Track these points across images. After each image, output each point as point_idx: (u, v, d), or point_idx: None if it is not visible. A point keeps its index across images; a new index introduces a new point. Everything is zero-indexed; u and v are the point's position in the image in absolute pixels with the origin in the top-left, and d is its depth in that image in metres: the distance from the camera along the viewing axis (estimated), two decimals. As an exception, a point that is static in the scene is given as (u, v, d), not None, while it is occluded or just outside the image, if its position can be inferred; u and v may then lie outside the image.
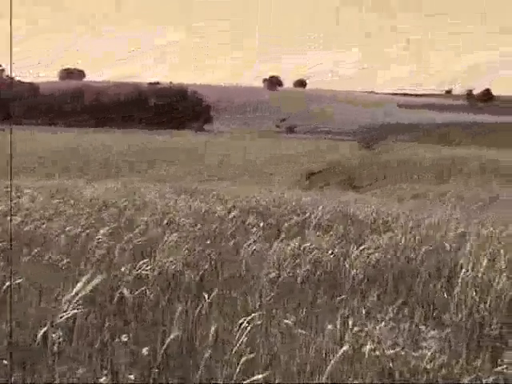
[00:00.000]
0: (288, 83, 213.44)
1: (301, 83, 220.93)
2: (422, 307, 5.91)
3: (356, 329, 4.92)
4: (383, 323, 5.13)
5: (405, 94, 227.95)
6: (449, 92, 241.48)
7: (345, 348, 4.29)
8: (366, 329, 4.94)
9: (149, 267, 6.36)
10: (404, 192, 31.29)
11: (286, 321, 5.14)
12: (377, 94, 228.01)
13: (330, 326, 4.94)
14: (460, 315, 5.62)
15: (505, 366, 4.42)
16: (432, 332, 4.99)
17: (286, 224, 9.44)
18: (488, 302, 5.78)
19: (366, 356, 4.43)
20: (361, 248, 7.59)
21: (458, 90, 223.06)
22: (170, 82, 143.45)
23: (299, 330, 5.00)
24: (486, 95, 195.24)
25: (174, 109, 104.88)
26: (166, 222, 9.63)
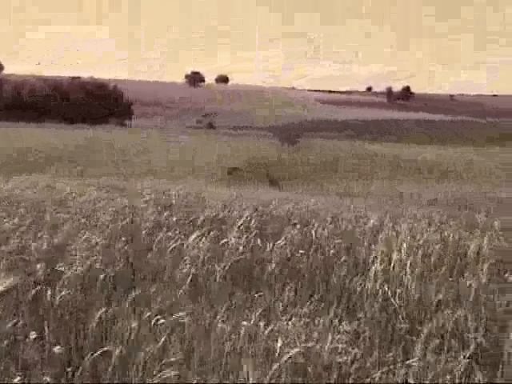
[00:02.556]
0: (210, 79, 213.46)
1: (223, 79, 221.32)
2: (337, 301, 5.99)
3: (271, 325, 4.96)
4: (298, 318, 5.19)
5: (326, 91, 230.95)
6: (369, 89, 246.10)
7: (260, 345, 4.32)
8: (280, 324, 4.98)
9: (62, 264, 6.26)
10: (325, 188, 31.64)
11: (204, 316, 5.15)
12: (298, 90, 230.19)
13: (244, 323, 4.96)
14: (373, 309, 5.73)
15: (416, 359, 4.52)
16: (345, 326, 5.07)
17: (204, 220, 9.42)
18: (398, 295, 5.91)
19: (279, 351, 4.47)
20: (277, 243, 7.64)
21: (378, 87, 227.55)
22: (91, 77, 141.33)
23: (218, 326, 5.02)
24: (405, 93, 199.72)
25: (94, 103, 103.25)
26: (84, 218, 9.46)
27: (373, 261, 6.97)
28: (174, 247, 7.47)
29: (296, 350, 4.48)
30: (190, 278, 6.39)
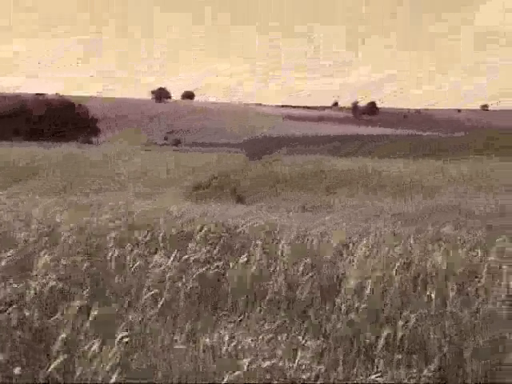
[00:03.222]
0: (176, 95, 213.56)
1: (189, 95, 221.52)
2: (303, 317, 5.98)
3: (234, 342, 4.93)
4: (262, 335, 5.16)
5: (292, 106, 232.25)
6: (336, 105, 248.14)
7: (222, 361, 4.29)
8: (244, 341, 4.95)
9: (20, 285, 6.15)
10: (292, 203, 31.68)
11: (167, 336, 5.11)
12: (265, 106, 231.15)
13: (207, 340, 4.93)
14: (339, 325, 5.72)
15: (378, 375, 4.52)
16: (309, 342, 5.05)
17: (170, 237, 9.35)
18: (361, 310, 5.91)
19: (245, 369, 4.44)
20: (241, 257, 7.61)
21: (344, 102, 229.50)
22: (57, 94, 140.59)
23: (179, 346, 4.97)
24: (371, 108, 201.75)
25: (59, 120, 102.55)
26: (46, 236, 9.32)
27: (337, 276, 6.97)
28: (139, 265, 7.41)
29: (262, 366, 4.46)
30: (153, 295, 6.34)
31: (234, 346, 4.89)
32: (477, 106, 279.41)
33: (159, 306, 6.20)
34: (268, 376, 4.46)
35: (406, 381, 4.60)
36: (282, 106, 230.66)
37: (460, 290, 7.14)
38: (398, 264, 7.75)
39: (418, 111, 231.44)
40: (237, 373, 4.31)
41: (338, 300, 6.29)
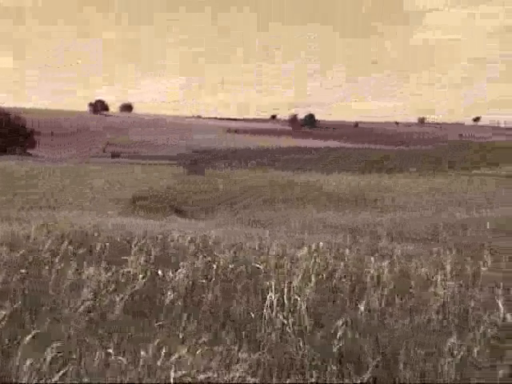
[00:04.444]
0: (114, 108, 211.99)
1: (127, 107, 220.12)
2: (238, 330, 5.98)
3: (168, 355, 4.89)
4: (197, 348, 5.14)
5: (232, 119, 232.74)
6: (274, 117, 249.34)
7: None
8: (178, 354, 4.92)
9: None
10: (231, 217, 31.65)
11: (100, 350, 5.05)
12: (204, 118, 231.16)
13: (143, 353, 4.88)
14: (272, 336, 5.74)
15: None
16: (243, 354, 5.05)
17: (105, 250, 9.28)
18: (293, 321, 5.94)
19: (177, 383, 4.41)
20: (178, 271, 7.60)
21: (283, 115, 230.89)
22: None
23: (113, 358, 4.92)
24: (310, 120, 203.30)
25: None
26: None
27: (272, 289, 6.99)
28: (72, 279, 7.32)
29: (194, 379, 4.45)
30: (88, 311, 6.27)
31: (169, 358, 4.86)
32: (413, 119, 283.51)
33: (94, 318, 6.13)
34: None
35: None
36: (221, 119, 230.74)
37: (393, 299, 7.25)
38: (333, 275, 7.82)
39: (355, 124, 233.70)
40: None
41: (270, 312, 6.31)
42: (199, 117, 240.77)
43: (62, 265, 7.99)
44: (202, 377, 4.51)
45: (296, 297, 6.52)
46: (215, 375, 4.56)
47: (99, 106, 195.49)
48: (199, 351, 5.09)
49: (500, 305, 6.58)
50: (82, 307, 6.41)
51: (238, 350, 5.22)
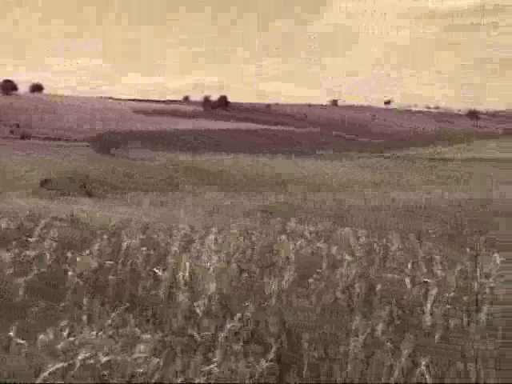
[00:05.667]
0: (24, 88, 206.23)
1: (37, 88, 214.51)
2: (142, 312, 5.93)
3: (71, 338, 4.81)
4: (101, 330, 5.08)
5: (144, 100, 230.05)
6: (186, 99, 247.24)
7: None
8: (82, 337, 4.85)
9: None
10: (144, 198, 31.31)
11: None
12: (115, 99, 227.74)
13: (42, 336, 4.78)
14: (176, 319, 5.72)
15: (213, 365, 4.55)
16: (146, 336, 5.00)
17: (7, 232, 9.07)
18: (200, 303, 5.94)
19: (79, 365, 4.34)
20: (84, 253, 7.48)
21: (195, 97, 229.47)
22: None
23: (16, 340, 4.81)
24: (222, 102, 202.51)
25: None
26: None
27: (180, 269, 6.96)
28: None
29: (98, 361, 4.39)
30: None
31: (73, 341, 4.77)
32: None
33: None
34: (107, 371, 4.40)
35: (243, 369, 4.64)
36: (133, 100, 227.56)
37: (301, 279, 7.31)
38: (243, 255, 7.86)
39: (267, 106, 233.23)
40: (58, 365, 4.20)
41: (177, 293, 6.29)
42: (111, 98, 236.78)
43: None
44: (105, 359, 4.45)
45: (204, 277, 6.52)
46: (119, 357, 4.51)
47: (8, 86, 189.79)
48: (103, 334, 5.03)
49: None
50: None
51: (142, 332, 5.18)
